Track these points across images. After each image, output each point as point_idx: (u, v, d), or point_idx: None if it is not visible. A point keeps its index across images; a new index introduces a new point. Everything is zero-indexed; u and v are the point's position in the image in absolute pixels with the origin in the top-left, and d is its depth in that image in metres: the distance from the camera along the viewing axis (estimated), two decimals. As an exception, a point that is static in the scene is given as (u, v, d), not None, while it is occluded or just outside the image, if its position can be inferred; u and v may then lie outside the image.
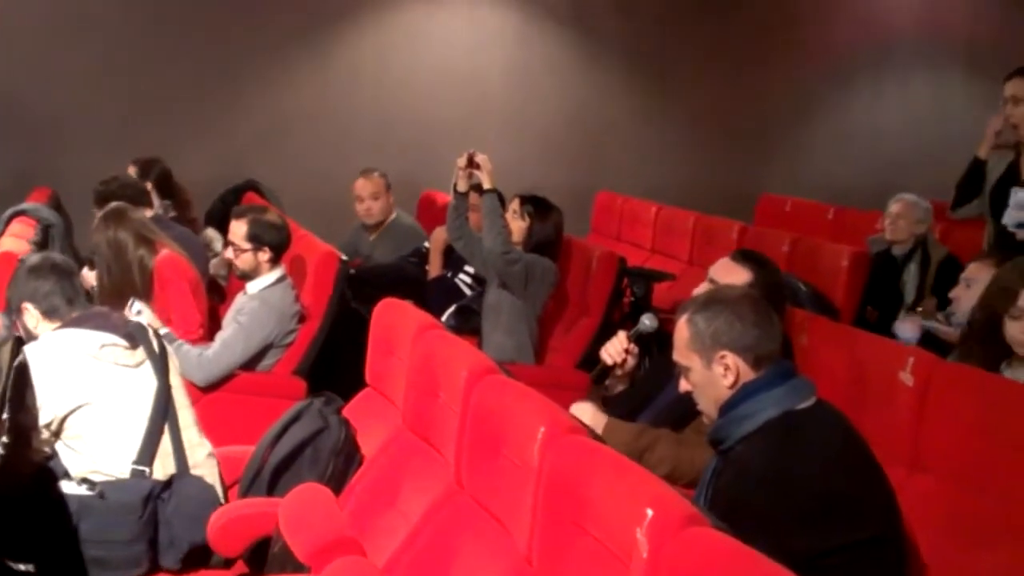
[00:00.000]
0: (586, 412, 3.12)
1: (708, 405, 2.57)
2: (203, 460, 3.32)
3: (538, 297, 4.77)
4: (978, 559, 2.69)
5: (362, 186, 6.09)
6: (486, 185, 4.72)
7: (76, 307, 3.33)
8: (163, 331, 4.25)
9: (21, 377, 2.94)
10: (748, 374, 2.47)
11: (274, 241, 4.52)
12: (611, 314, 4.97)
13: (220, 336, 4.51)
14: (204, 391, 4.37)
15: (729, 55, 8.58)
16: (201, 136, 7.24)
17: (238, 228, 4.53)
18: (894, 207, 5.78)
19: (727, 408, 2.48)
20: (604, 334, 4.58)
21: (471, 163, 4.72)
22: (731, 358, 2.47)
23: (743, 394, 2.46)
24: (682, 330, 2.56)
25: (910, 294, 5.44)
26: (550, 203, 5.01)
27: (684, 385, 2.62)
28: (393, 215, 6.15)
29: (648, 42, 8.36)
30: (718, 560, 1.74)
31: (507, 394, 2.60)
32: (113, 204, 4.76)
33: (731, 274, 3.29)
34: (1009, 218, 4.41)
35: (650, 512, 1.85)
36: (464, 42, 7.92)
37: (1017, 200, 4.40)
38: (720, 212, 6.95)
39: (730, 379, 2.48)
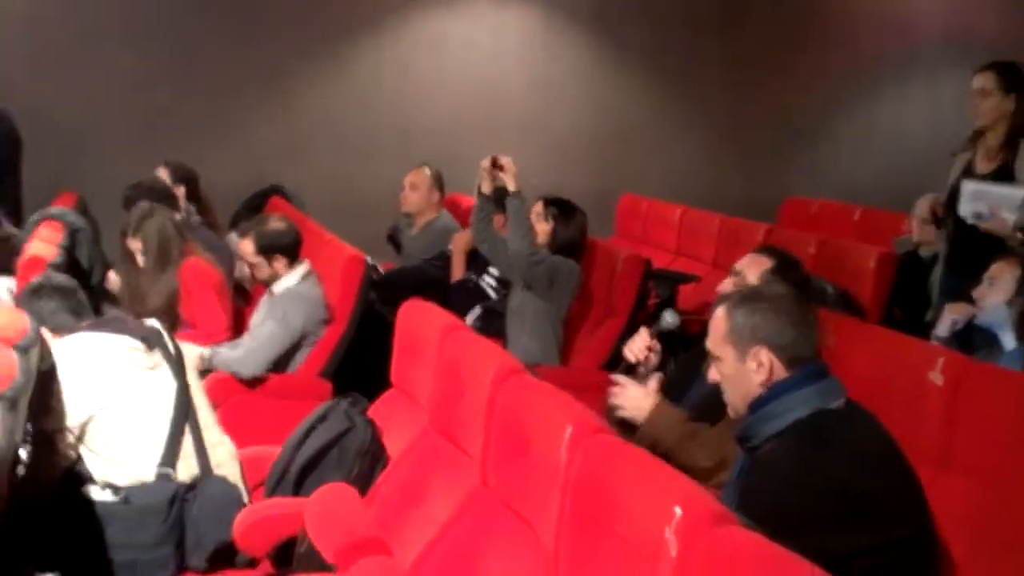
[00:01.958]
0: (637, 391, 3.13)
1: (735, 398, 2.56)
2: (225, 459, 3.34)
3: (562, 299, 4.76)
4: (1006, 561, 2.66)
5: (407, 175, 6.20)
6: (511, 187, 4.70)
7: (84, 320, 3.36)
8: (203, 351, 4.31)
9: (46, 381, 2.96)
10: (781, 372, 2.45)
11: (283, 246, 4.57)
12: (636, 316, 4.95)
13: (253, 334, 4.53)
14: (230, 393, 4.38)
15: (753, 58, 8.55)
16: (225, 143, 7.27)
17: (246, 247, 4.60)
18: (920, 207, 5.74)
19: (756, 406, 2.46)
20: (630, 336, 4.57)
21: (495, 165, 4.71)
22: (766, 355, 2.45)
23: (773, 393, 2.44)
24: (720, 320, 2.54)
25: (937, 295, 5.41)
26: (574, 205, 5.00)
27: (713, 375, 2.60)
28: (436, 215, 6.17)
29: (671, 46, 8.34)
30: (747, 559, 1.73)
31: (533, 394, 2.59)
32: (145, 206, 4.80)
33: (754, 264, 3.32)
34: (965, 210, 4.40)
35: (679, 511, 1.84)
36: (486, 48, 7.92)
37: (969, 192, 4.39)
38: (743, 215, 6.93)
39: (762, 375, 2.46)
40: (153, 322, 3.38)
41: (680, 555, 1.79)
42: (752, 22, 8.53)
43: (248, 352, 4.48)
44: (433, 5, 7.79)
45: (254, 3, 7.31)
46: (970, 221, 4.40)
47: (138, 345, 3.21)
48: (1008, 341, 3.71)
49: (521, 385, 2.65)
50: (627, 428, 3.23)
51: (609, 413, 3.29)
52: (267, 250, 4.56)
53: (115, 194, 5.52)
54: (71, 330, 3.27)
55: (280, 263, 4.56)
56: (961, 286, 4.56)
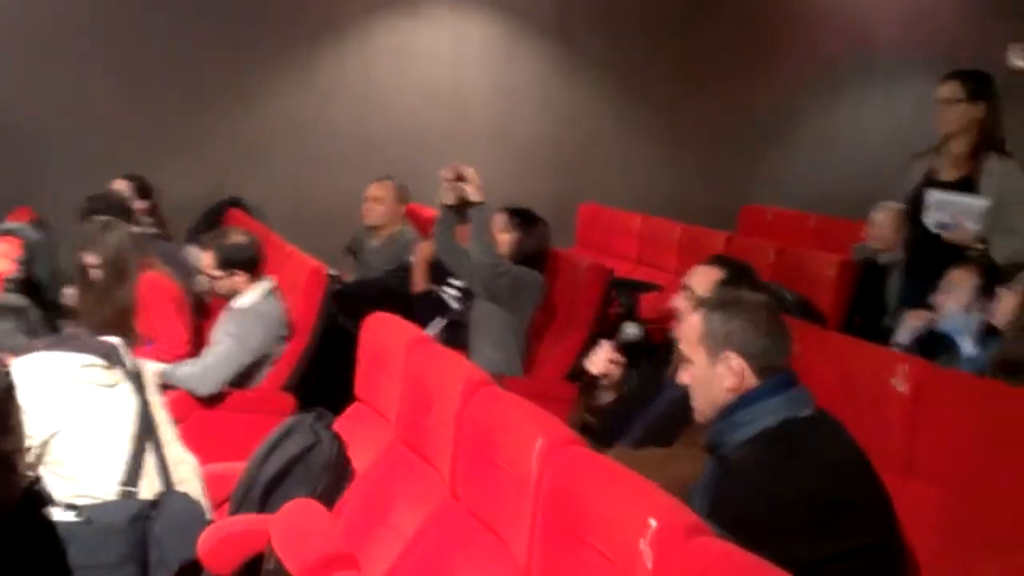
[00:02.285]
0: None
1: (702, 402, 2.57)
2: (188, 476, 3.30)
3: (526, 309, 4.76)
4: (973, 565, 2.69)
5: (369, 188, 6.15)
6: (474, 198, 4.67)
7: (39, 338, 3.31)
8: (161, 368, 4.27)
9: (4, 402, 2.92)
10: (751, 380, 2.47)
11: (243, 260, 4.54)
12: (600, 326, 4.96)
13: (212, 350, 4.49)
14: (192, 408, 4.35)
15: (712, 67, 8.61)
16: (184, 153, 7.19)
17: (207, 260, 4.57)
18: (878, 215, 5.81)
19: (726, 413, 2.47)
20: (593, 346, 4.58)
21: (458, 176, 4.68)
22: (737, 361, 2.47)
23: (743, 400, 2.45)
24: (695, 323, 2.55)
25: (895, 302, 5.46)
26: (536, 215, 5.00)
27: (683, 377, 2.61)
28: (399, 227, 6.15)
29: (632, 55, 8.38)
30: (724, 569, 1.73)
31: (502, 406, 2.59)
32: (103, 220, 4.74)
33: (703, 277, 3.31)
34: (929, 219, 4.45)
35: (653, 522, 1.84)
36: (448, 57, 7.92)
37: (933, 201, 4.44)
38: (703, 223, 6.97)
39: (731, 381, 2.47)
40: (112, 338, 3.34)
41: (656, 566, 1.79)
42: (711, 30, 8.59)
43: (205, 370, 4.44)
44: (395, 13, 7.77)
45: (214, 11, 7.24)
46: (934, 230, 4.44)
47: (97, 362, 3.16)
48: (967, 347, 3.75)
49: (490, 397, 2.64)
50: (591, 434, 3.24)
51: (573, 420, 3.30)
52: (227, 264, 4.53)
53: (71, 208, 5.46)
54: (27, 349, 3.22)
55: (241, 277, 4.53)
56: (920, 293, 4.62)
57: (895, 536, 2.47)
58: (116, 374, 3.17)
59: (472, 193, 4.63)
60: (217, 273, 4.54)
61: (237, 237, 4.61)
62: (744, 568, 1.72)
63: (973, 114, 4.49)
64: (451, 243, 4.80)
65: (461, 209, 4.71)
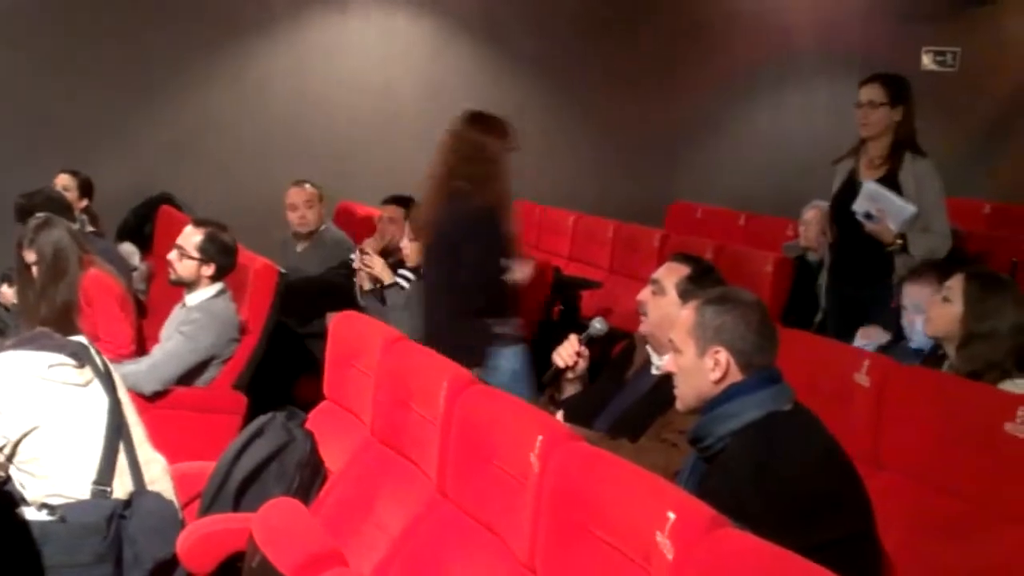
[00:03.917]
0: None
1: (687, 391, 2.63)
2: (159, 475, 3.28)
3: None
4: (938, 553, 2.80)
5: (296, 194, 6.06)
6: (385, 280, 4.89)
7: (7, 337, 3.27)
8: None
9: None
10: (735, 375, 2.53)
11: (222, 261, 4.50)
12: (546, 322, 5.03)
13: (161, 347, 4.44)
14: (144, 407, 4.29)
15: (639, 69, 8.72)
16: (113, 149, 7.07)
17: (193, 235, 4.50)
18: (808, 214, 5.96)
19: (711, 406, 2.54)
20: (541, 342, 4.64)
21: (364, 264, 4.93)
22: (725, 355, 2.53)
23: (728, 394, 2.52)
24: (688, 315, 2.61)
25: (824, 301, 5.62)
26: None
27: (670, 365, 2.67)
28: (323, 226, 6.12)
29: (560, 55, 8.45)
30: (747, 560, 1.80)
31: (493, 404, 2.63)
32: (42, 217, 4.66)
33: (671, 272, 3.36)
34: (859, 206, 4.59)
35: (672, 515, 1.89)
36: (378, 55, 7.90)
37: (868, 191, 4.58)
38: (630, 220, 7.07)
39: (717, 375, 2.54)
40: (80, 337, 3.30)
41: (678, 559, 1.85)
42: (639, 32, 8.70)
43: (151, 367, 4.40)
44: (324, 9, 7.73)
45: (144, 6, 7.13)
46: (859, 217, 4.58)
47: (66, 361, 3.13)
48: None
49: (479, 395, 2.68)
50: None
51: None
52: (211, 252, 4.48)
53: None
54: None
55: (209, 271, 4.47)
56: (844, 294, 4.77)
57: (872, 527, 2.56)
58: (86, 373, 3.14)
59: (381, 274, 4.89)
60: (195, 254, 4.46)
61: (231, 241, 4.59)
62: (767, 558, 1.79)
63: (893, 117, 4.65)
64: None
65: (380, 292, 4.91)
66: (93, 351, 3.25)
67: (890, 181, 4.63)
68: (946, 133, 9.65)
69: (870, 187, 4.60)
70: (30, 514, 2.99)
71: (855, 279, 4.75)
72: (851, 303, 4.75)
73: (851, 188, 4.73)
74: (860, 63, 9.09)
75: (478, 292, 4.05)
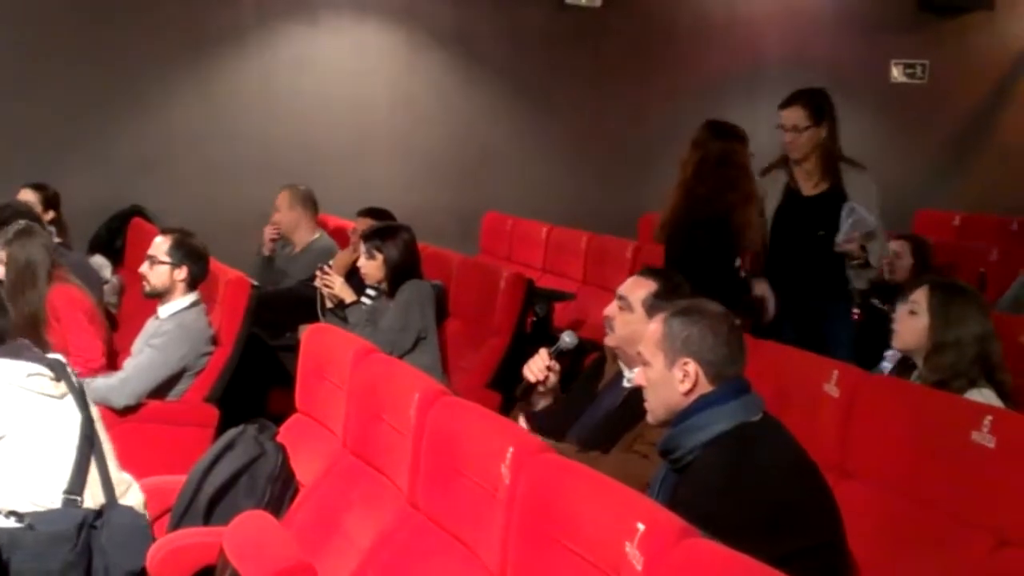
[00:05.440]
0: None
1: (656, 404, 2.64)
2: (128, 492, 3.27)
3: (428, 319, 4.79)
4: (908, 561, 2.82)
5: (279, 198, 6.24)
6: (347, 300, 4.92)
7: None
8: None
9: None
10: (704, 386, 2.55)
11: (193, 265, 4.48)
12: (520, 334, 5.03)
13: (133, 361, 4.42)
14: (114, 421, 4.27)
15: (610, 79, 8.73)
16: (82, 161, 7.03)
17: (163, 242, 4.48)
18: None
19: (681, 418, 2.55)
20: (515, 354, 4.66)
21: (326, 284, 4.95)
22: (693, 367, 2.54)
23: (698, 405, 2.53)
24: (656, 328, 2.62)
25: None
26: (393, 225, 5.08)
27: (639, 378, 2.68)
28: (316, 235, 6.15)
29: (532, 66, 8.46)
30: (716, 570, 1.81)
31: (464, 415, 2.63)
32: (22, 224, 4.63)
33: (637, 287, 3.36)
34: (844, 234, 4.56)
35: (641, 526, 1.90)
36: (349, 66, 7.90)
37: (852, 217, 4.55)
38: (602, 231, 7.09)
39: (686, 386, 2.55)
40: (58, 355, 3.29)
41: (647, 569, 1.86)
42: (609, 42, 8.70)
43: (123, 382, 4.37)
44: (294, 21, 7.72)
45: (113, 19, 7.11)
46: (841, 243, 4.59)
47: (44, 372, 3.13)
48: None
49: (450, 407, 2.68)
50: None
51: None
52: (182, 256, 4.46)
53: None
54: None
55: (181, 276, 4.44)
56: (798, 306, 4.73)
57: (842, 536, 2.59)
58: (62, 387, 3.13)
59: (342, 294, 4.92)
60: (166, 259, 4.44)
61: (202, 247, 4.59)
62: (736, 568, 1.80)
63: (820, 134, 4.68)
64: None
65: (342, 310, 4.94)
66: (68, 370, 3.25)
67: (837, 195, 4.66)
68: (916, 145, 9.77)
69: (859, 212, 4.59)
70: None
71: (810, 291, 4.73)
72: (809, 314, 4.74)
73: (795, 203, 4.75)
74: (829, 73, 9.17)
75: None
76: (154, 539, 3.17)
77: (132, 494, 3.27)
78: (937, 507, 2.82)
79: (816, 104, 4.71)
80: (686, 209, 4.54)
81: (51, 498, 3.04)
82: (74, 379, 3.19)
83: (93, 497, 3.11)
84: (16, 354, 3.11)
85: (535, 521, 2.21)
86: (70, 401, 3.14)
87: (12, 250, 4.54)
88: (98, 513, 3.07)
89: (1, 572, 2.91)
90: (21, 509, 3.01)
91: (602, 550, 2.00)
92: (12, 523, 2.99)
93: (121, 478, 3.27)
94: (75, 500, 3.06)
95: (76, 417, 3.13)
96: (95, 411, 3.25)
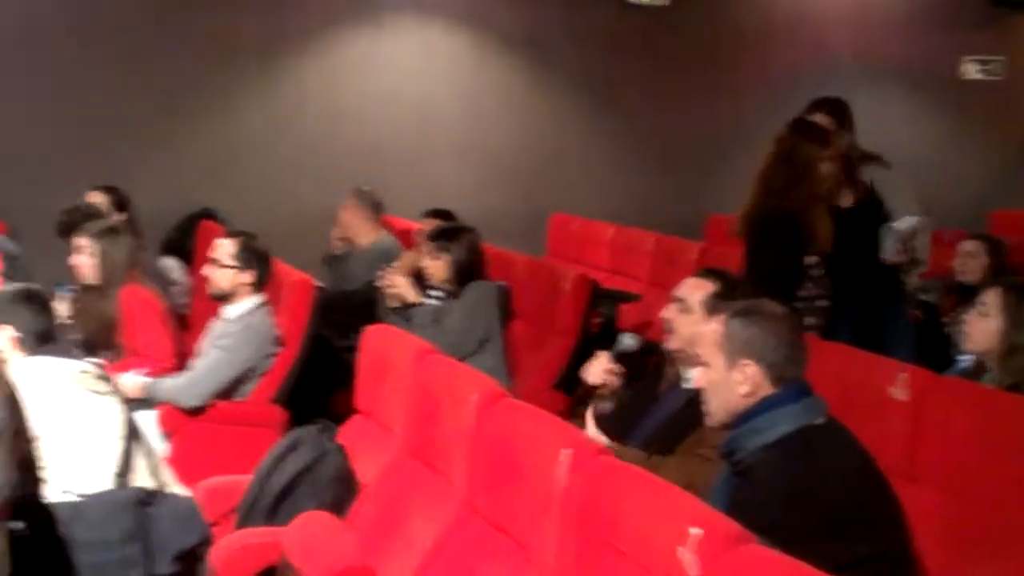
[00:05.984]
0: (588, 433, 3.16)
1: (716, 406, 2.60)
2: (174, 484, 3.31)
3: (493, 320, 4.78)
4: (975, 570, 2.77)
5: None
6: (410, 299, 4.90)
7: (45, 342, 3.32)
8: (146, 381, 4.27)
9: (15, 402, 2.93)
10: (766, 389, 2.50)
11: (259, 268, 4.51)
12: (586, 336, 5.01)
13: (200, 362, 4.47)
14: (183, 421, 4.33)
15: (677, 79, 8.68)
16: (151, 166, 7.16)
17: (227, 246, 4.51)
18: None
19: (743, 420, 2.51)
20: (581, 355, 4.63)
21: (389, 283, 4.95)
22: (753, 369, 2.51)
23: (760, 407, 2.49)
24: (716, 329, 2.58)
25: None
26: (458, 226, 5.07)
27: (699, 380, 2.65)
28: (376, 237, 6.19)
29: (599, 67, 8.44)
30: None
31: (522, 417, 2.63)
32: (109, 222, 4.71)
33: (696, 289, 3.31)
34: (889, 248, 4.60)
35: (697, 531, 1.88)
36: (414, 68, 7.94)
37: (896, 234, 4.59)
38: (669, 232, 7.05)
39: (745, 388, 2.51)
40: (98, 359, 3.39)
41: (703, 574, 1.83)
42: (676, 42, 8.66)
43: (191, 382, 4.41)
44: (358, 23, 7.79)
45: (182, 26, 7.23)
46: (888, 257, 4.56)
47: (91, 370, 3.22)
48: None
49: (508, 409, 2.68)
50: None
51: None
52: (247, 259, 4.49)
53: (41, 221, 5.42)
54: (28, 348, 3.24)
55: (246, 279, 4.48)
56: (855, 311, 4.67)
57: (907, 543, 2.53)
58: (106, 386, 3.20)
59: (407, 295, 4.90)
60: (233, 263, 4.47)
61: (265, 249, 4.61)
62: (793, 575, 1.77)
63: (844, 141, 4.67)
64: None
65: (406, 311, 4.90)
66: (107, 373, 3.34)
67: (873, 205, 4.64)
68: (992, 143, 9.57)
69: (893, 230, 4.57)
70: (56, 497, 3.02)
71: (866, 296, 4.68)
72: (864, 319, 4.68)
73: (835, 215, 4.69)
74: (900, 69, 9.04)
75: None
76: (210, 525, 3.21)
77: (177, 488, 3.31)
78: (1008, 513, 2.76)
79: (839, 111, 4.73)
80: (759, 203, 4.54)
81: (104, 482, 3.08)
82: (114, 383, 3.28)
83: (142, 481, 3.15)
84: (67, 353, 3.21)
85: (590, 524, 2.20)
86: (115, 399, 3.20)
87: (104, 246, 4.62)
88: (151, 492, 3.12)
89: (64, 543, 2.95)
90: (76, 490, 3.06)
91: (656, 555, 1.98)
92: (73, 496, 3.03)
93: (166, 474, 3.32)
94: (126, 482, 3.10)
95: (121, 412, 3.19)
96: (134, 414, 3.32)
